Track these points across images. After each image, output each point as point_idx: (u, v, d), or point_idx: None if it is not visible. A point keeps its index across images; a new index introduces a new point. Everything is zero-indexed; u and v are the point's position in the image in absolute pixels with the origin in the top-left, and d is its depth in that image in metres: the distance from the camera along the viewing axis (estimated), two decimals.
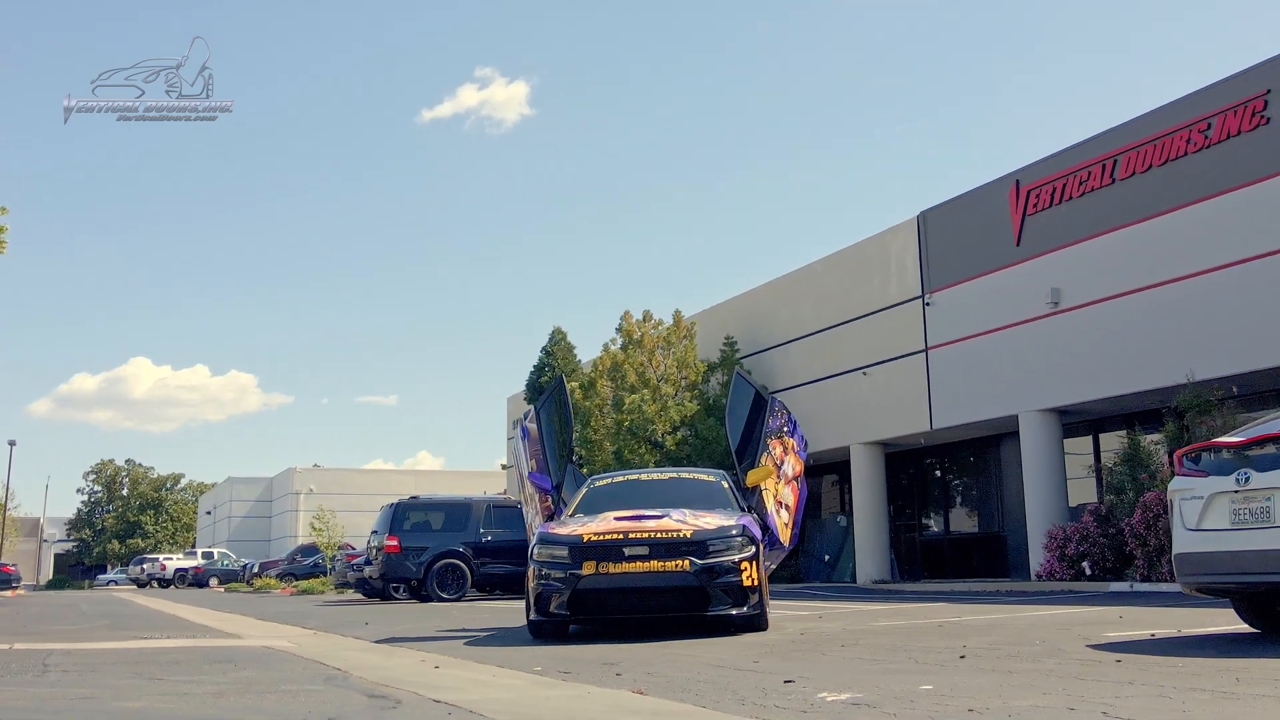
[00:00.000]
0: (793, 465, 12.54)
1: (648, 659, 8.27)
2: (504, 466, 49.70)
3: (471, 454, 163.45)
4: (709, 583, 10.24)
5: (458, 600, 24.98)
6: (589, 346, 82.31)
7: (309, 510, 79.04)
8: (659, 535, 10.42)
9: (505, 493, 42.99)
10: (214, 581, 59.20)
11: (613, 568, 10.23)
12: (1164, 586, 14.80)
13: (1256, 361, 16.54)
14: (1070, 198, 19.67)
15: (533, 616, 10.62)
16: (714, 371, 29.09)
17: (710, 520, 10.80)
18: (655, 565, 10.21)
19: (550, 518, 11.94)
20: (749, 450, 12.27)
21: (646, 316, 29.54)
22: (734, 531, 10.60)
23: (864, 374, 25.02)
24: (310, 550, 52.25)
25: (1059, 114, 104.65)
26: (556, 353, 35.21)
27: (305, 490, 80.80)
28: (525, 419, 12.77)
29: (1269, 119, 16.37)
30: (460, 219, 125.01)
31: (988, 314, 21.48)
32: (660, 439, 27.58)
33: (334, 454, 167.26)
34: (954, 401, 22.48)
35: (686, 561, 10.21)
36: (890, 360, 24.27)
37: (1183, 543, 7.86)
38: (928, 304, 23.13)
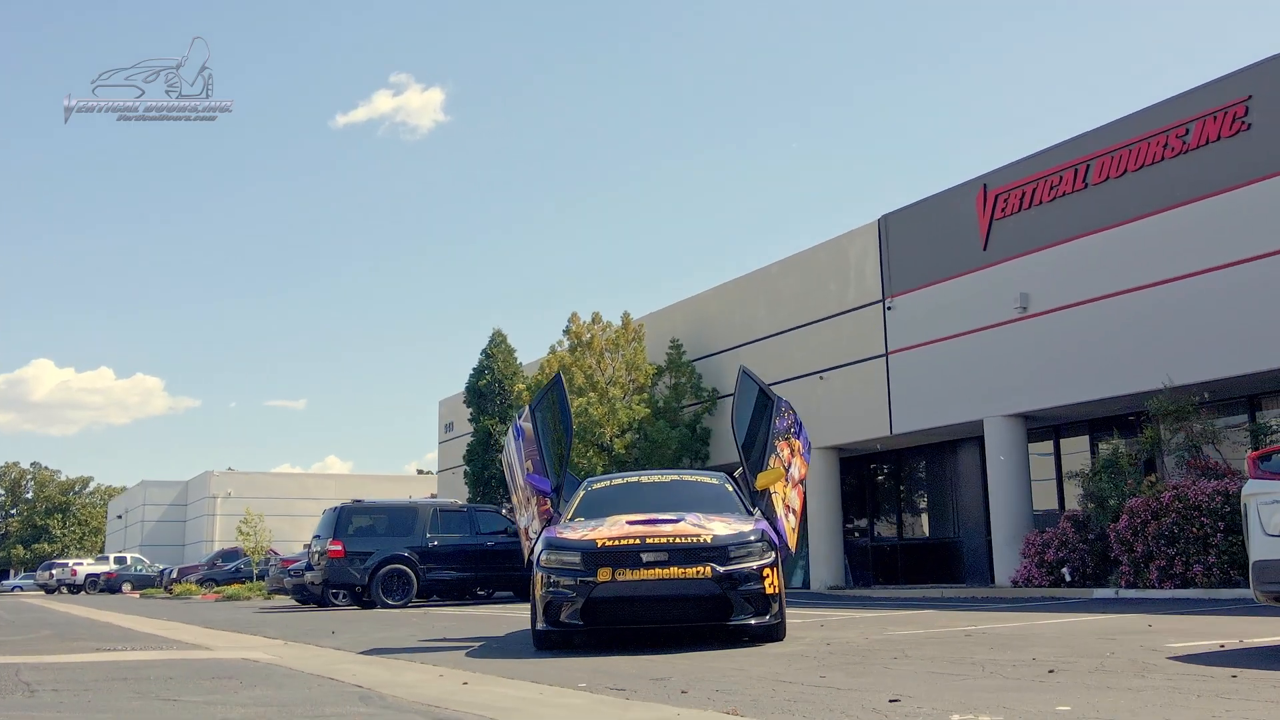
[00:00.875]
0: (799, 468, 12.00)
1: (693, 672, 7.64)
2: (419, 471, 48.55)
3: (382, 459, 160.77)
4: (731, 590, 9.65)
5: (404, 606, 24.10)
6: (530, 349, 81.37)
7: (227, 514, 77.23)
8: (678, 540, 9.81)
9: (434, 495, 41.94)
10: (127, 587, 57.12)
11: (630, 574, 9.59)
12: (1152, 593, 14.53)
13: (1229, 368, 16.38)
14: (1041, 202, 19.43)
15: (540, 626, 9.92)
16: (661, 375, 28.53)
17: (729, 525, 10.22)
18: (675, 572, 9.59)
19: (550, 521, 11.25)
20: (755, 451, 11.69)
21: (595, 318, 28.88)
22: (754, 537, 10.03)
23: (821, 378, 24.62)
24: (231, 555, 50.75)
25: (1024, 120, 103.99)
26: (497, 355, 34.40)
27: (223, 494, 78.72)
28: (520, 418, 12.06)
29: (1250, 125, 16.23)
30: (373, 224, 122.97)
31: (953, 318, 21.19)
32: (609, 443, 26.93)
33: (240, 458, 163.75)
34: (915, 406, 22.15)
35: (708, 568, 9.61)
36: (848, 365, 23.91)
37: (1262, 549, 7.42)
38: (889, 308, 22.79)
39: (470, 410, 34.32)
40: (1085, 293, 18.59)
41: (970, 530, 23.25)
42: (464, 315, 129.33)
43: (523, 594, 27.00)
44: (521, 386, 30.01)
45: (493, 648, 11.10)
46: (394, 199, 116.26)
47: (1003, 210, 20.15)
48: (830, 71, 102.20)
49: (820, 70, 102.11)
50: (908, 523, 26.14)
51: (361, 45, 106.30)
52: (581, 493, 11.72)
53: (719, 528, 10.10)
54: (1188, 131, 17.04)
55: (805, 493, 12.12)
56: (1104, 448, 17.36)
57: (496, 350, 34.50)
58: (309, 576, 26.16)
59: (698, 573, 9.59)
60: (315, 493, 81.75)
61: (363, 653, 11.03)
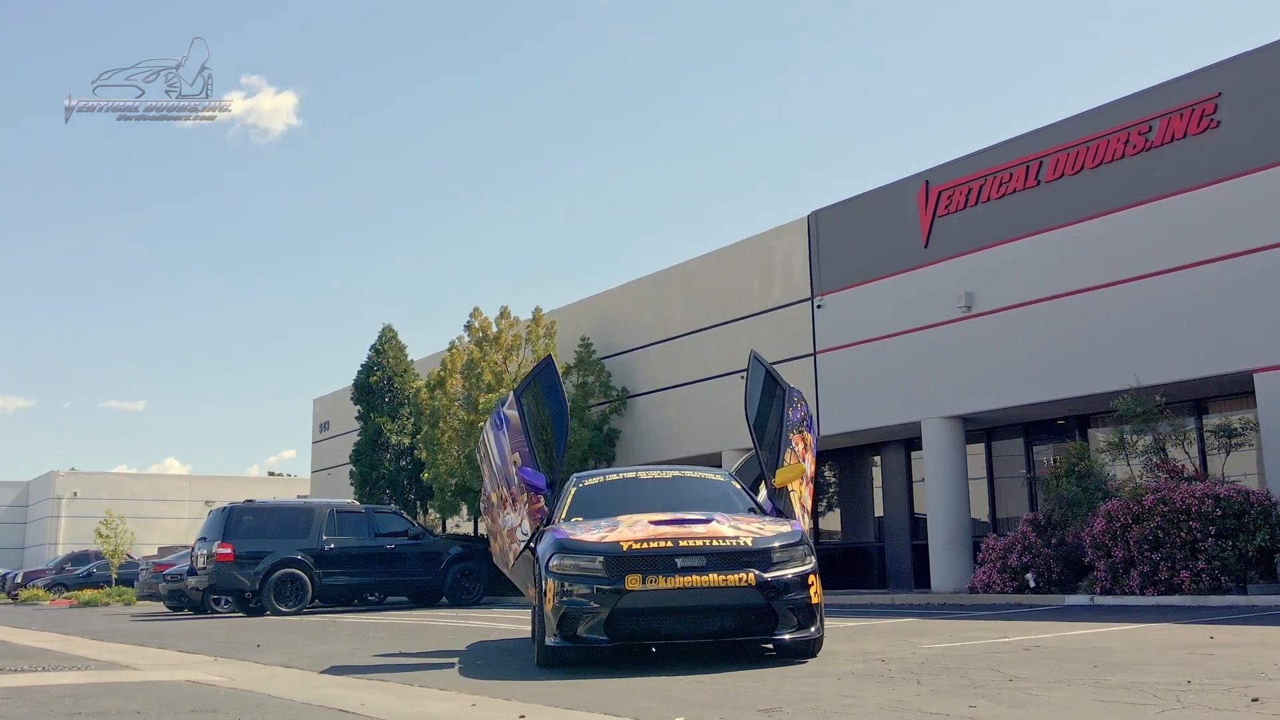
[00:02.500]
0: (810, 464, 10.80)
1: (772, 699, 6.35)
2: (271, 473, 45.88)
3: (225, 461, 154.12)
4: (775, 600, 8.37)
5: (297, 613, 22.19)
6: (416, 347, 78.30)
7: (73, 516, 72.62)
8: (716, 543, 8.48)
9: (304, 496, 39.61)
10: None
11: (663, 582, 8.23)
12: (1133, 600, 13.75)
13: (1191, 370, 15.80)
14: (989, 199, 18.67)
15: (552, 642, 8.47)
16: (569, 374, 27.09)
17: (765, 526, 8.93)
18: (714, 579, 8.26)
19: (547, 521, 9.79)
20: (769, 445, 10.42)
21: (504, 313, 27.28)
22: (796, 539, 8.78)
23: (742, 378, 23.44)
24: (81, 558, 47.50)
25: (966, 118, 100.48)
26: (388, 351, 32.45)
27: (69, 495, 74.03)
28: (504, 406, 10.57)
29: (1219, 122, 15.67)
30: (222, 229, 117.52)
31: (889, 317, 20.31)
32: None
33: (76, 460, 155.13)
34: (845, 407, 21.21)
35: (750, 575, 8.31)
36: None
37: None
38: (819, 306, 21.83)
39: (358, 408, 32.30)
40: (1036, 292, 17.86)
41: (894, 535, 22.41)
42: (326, 315, 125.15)
43: (421, 600, 25.32)
44: (419, 384, 28.19)
45: (479, 665, 9.60)
46: (239, 203, 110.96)
47: (946, 207, 19.35)
48: (756, 62, 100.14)
49: (747, 60, 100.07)
50: (825, 527, 25.22)
51: (213, 47, 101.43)
52: (572, 490, 10.30)
53: (757, 529, 8.81)
54: (1151, 129, 16.43)
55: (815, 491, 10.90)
56: (1073, 449, 16.61)
57: (387, 346, 32.55)
58: (191, 581, 24.00)
59: (740, 580, 8.28)
60: (168, 494, 77.62)
61: (326, 672, 9.42)
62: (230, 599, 24.15)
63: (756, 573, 8.32)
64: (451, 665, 9.52)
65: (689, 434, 24.68)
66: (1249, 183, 15.36)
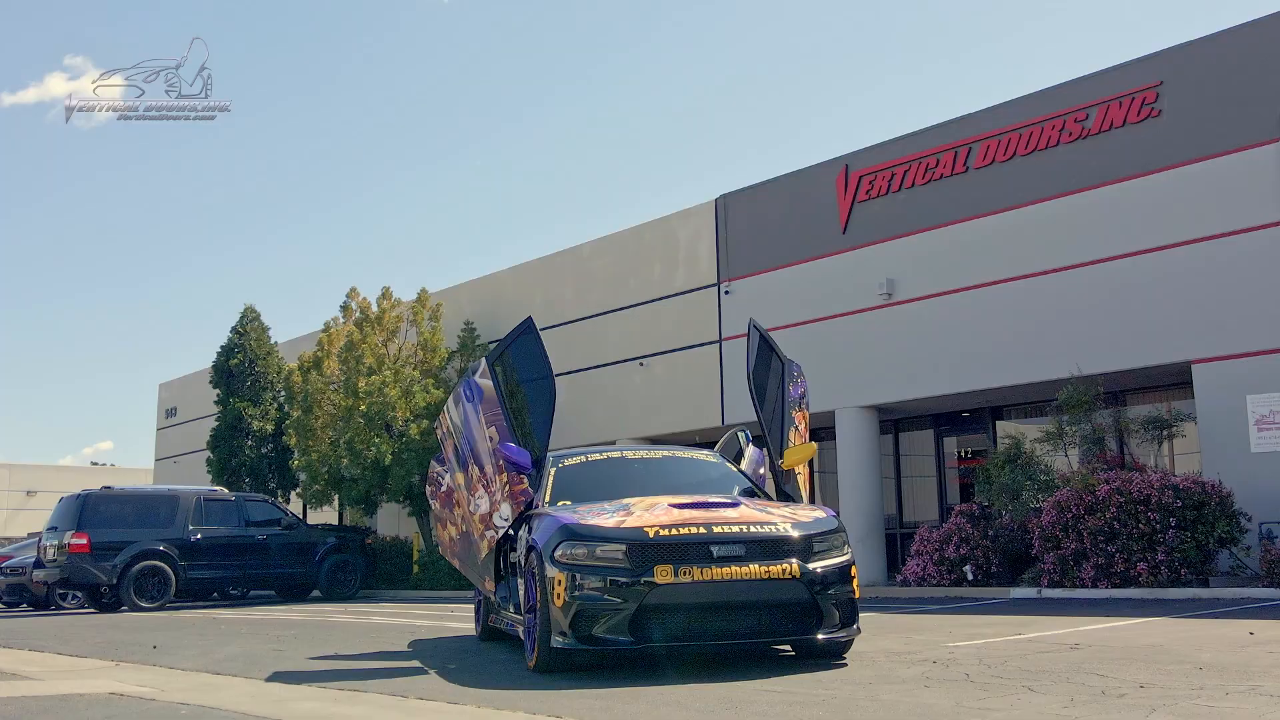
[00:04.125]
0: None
1: (853, 713, 5.21)
2: (93, 463, 42.66)
3: (37, 450, 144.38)
4: (821, 594, 7.21)
5: (160, 609, 20.08)
6: (280, 330, 73.99)
7: None
8: (755, 530, 7.27)
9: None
10: None
11: (698, 574, 6.98)
12: (1085, 593, 13.09)
13: (1124, 361, 15.33)
14: (913, 185, 17.94)
15: (561, 643, 7.14)
16: (452, 358, 25.48)
17: (798, 512, 7.77)
18: (755, 570, 7.05)
19: (529, 505, 8.41)
20: (774, 423, 9.27)
21: (385, 293, 25.46)
22: (834, 526, 7.65)
23: (641, 364, 22.36)
24: None
25: (890, 103, 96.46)
26: (250, 333, 30.13)
27: None
28: (475, 374, 9.14)
29: (1160, 111, 15.21)
30: (37, 212, 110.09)
31: (803, 304, 19.42)
32: (402, 427, 23.64)
33: None
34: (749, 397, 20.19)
35: (794, 565, 7.14)
36: (675, 351, 21.76)
37: None
38: (726, 292, 20.81)
39: (217, 391, 29.90)
40: (963, 280, 17.19)
41: None
42: (168, 300, 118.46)
43: (290, 594, 23.38)
44: (291, 366, 26.10)
45: (455, 669, 8.18)
46: (60, 184, 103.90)
47: (868, 192, 18.55)
48: (666, 37, 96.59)
49: (657, 34, 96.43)
50: None
51: (34, 25, 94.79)
52: (552, 471, 8.92)
53: (790, 515, 7.63)
54: (1089, 116, 15.90)
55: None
56: (1007, 439, 15.95)
57: (249, 327, 30.21)
58: (38, 575, 21.57)
59: (783, 571, 7.10)
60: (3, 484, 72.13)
61: (275, 680, 7.88)
62: (81, 594, 21.85)
63: (799, 563, 7.15)
64: (423, 670, 8.07)
65: (583, 422, 23.36)
66: (1189, 173, 14.94)
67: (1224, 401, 14.40)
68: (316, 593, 23.22)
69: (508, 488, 8.45)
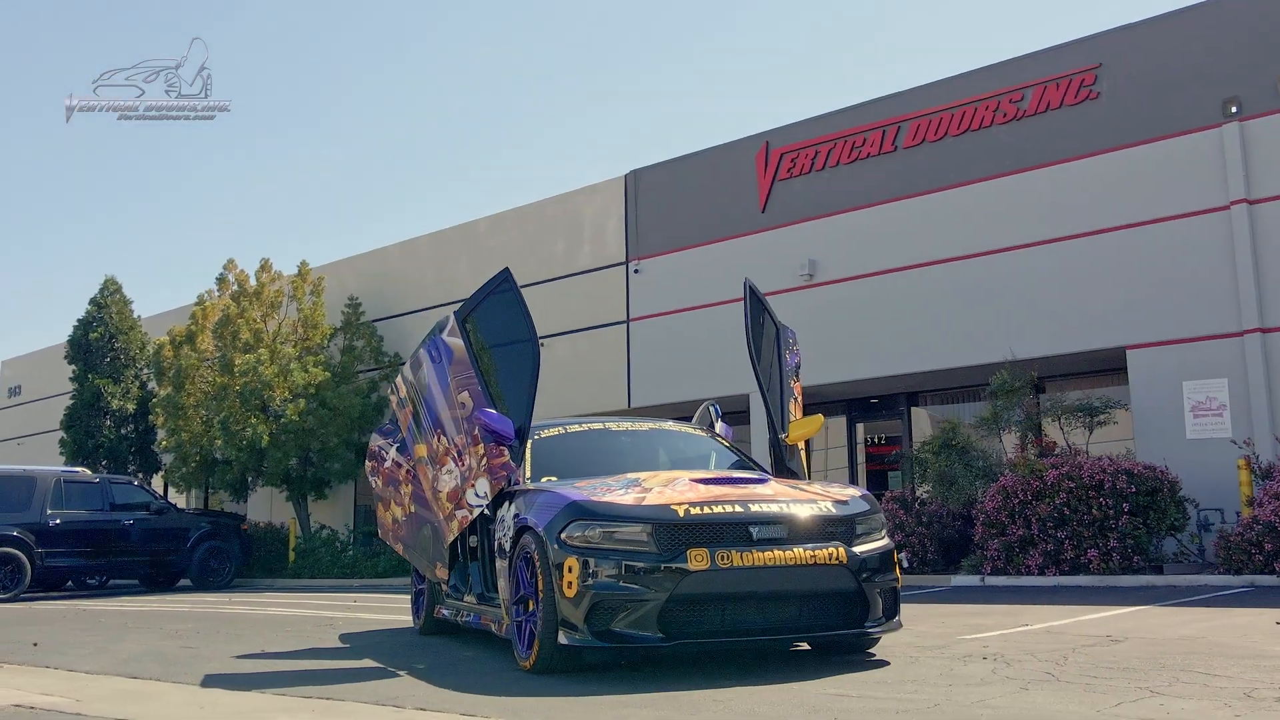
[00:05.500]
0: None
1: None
2: None
3: None
4: (868, 583, 6.26)
5: (12, 600, 18.07)
6: (144, 304, 69.54)
7: None
8: (795, 509, 6.28)
9: None
10: None
11: (738, 559, 5.95)
12: (1032, 580, 12.50)
13: (1053, 347, 14.88)
14: (838, 163, 17.20)
15: (570, 639, 6.05)
16: (335, 336, 23.81)
17: (830, 490, 6.80)
18: (801, 555, 6.07)
19: (510, 482, 7.24)
20: (773, 393, 8.29)
21: (265, 266, 23.62)
22: (874, 507, 6.71)
23: (542, 345, 21.05)
24: None
25: (807, 80, 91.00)
26: (111, 305, 27.75)
27: None
28: (442, 331, 7.93)
29: (1099, 94, 14.77)
30: None
31: (718, 284, 18.48)
32: (280, 408, 21.91)
33: None
34: (661, 378, 19.29)
35: (840, 550, 6.18)
36: (578, 331, 20.63)
37: None
38: (636, 271, 19.78)
39: (74, 368, 27.45)
40: (889, 262, 16.55)
41: None
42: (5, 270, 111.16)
43: (156, 583, 21.45)
44: (162, 340, 23.99)
45: (425, 669, 6.97)
46: None
47: (790, 171, 17.76)
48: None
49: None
50: None
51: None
52: (528, 443, 7.75)
53: (821, 493, 6.66)
54: (1024, 97, 15.39)
55: None
56: (945, 424, 15.31)
57: (109, 300, 27.81)
58: None
59: (829, 556, 6.12)
60: None
61: (212, 685, 6.56)
62: None
63: (844, 547, 6.19)
64: (390, 672, 6.84)
65: None
66: (1127, 157, 14.55)
67: (1159, 388, 14.05)
68: (185, 581, 21.37)
69: (485, 460, 7.26)
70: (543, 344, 20.72)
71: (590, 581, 5.94)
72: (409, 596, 9.99)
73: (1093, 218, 14.68)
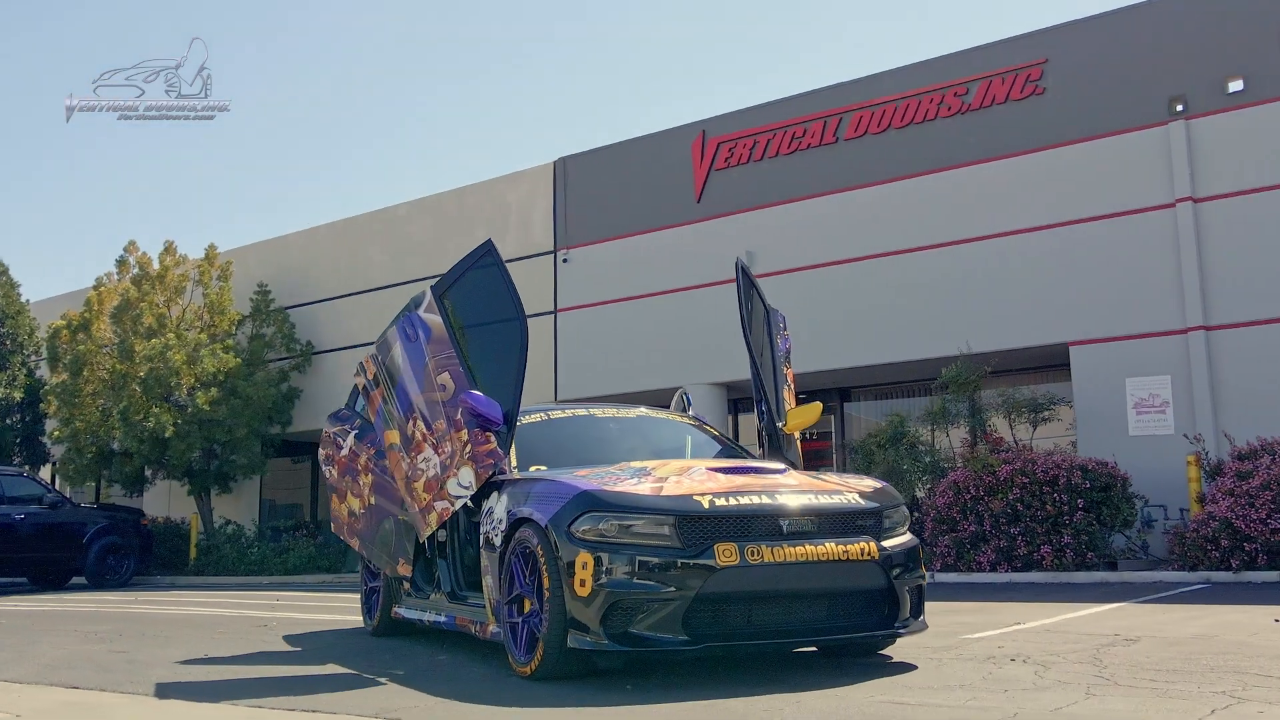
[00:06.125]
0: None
1: None
2: None
3: None
4: (898, 580, 5.80)
5: None
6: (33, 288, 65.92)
7: None
8: (823, 500, 5.80)
9: None
10: None
11: (768, 554, 5.42)
12: (982, 577, 12.25)
13: (1001, 342, 14.71)
14: (777, 154, 16.84)
15: (581, 642, 5.49)
16: (243, 323, 22.70)
17: (848, 480, 6.32)
18: (833, 550, 5.57)
19: (499, 471, 6.60)
20: (767, 379, 7.78)
21: (169, 248, 22.37)
22: (899, 499, 6.26)
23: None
24: None
25: (743, 73, 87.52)
26: None
27: None
28: (418, 307, 7.27)
29: (1045, 89, 14.64)
30: None
31: (652, 275, 18.02)
32: (187, 397, 20.75)
33: None
34: (590, 371, 18.71)
35: (871, 544, 5.71)
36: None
37: None
38: (564, 261, 19.17)
39: None
40: (828, 255, 16.24)
41: None
42: None
43: (46, 581, 20.11)
44: (58, 324, 22.52)
45: (408, 675, 6.29)
46: None
47: (727, 160, 17.34)
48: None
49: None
50: None
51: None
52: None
53: (844, 483, 6.18)
54: (969, 91, 15.20)
55: None
56: (893, 418, 14.98)
57: None
58: None
59: (861, 551, 5.64)
60: None
61: (169, 696, 5.83)
62: None
63: (874, 542, 5.72)
64: (371, 680, 6.17)
65: None
66: (1073, 153, 14.45)
67: (1102, 384, 13.96)
68: (79, 580, 20.08)
69: (469, 448, 6.60)
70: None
71: (606, 579, 5.36)
72: (331, 595, 9.29)
73: (1037, 213, 14.55)
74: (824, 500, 5.74)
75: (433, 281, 7.59)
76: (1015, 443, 13.76)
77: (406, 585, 7.79)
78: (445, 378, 6.83)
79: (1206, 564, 11.25)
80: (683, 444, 7.51)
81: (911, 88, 15.68)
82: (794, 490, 5.77)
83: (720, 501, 5.52)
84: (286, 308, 22.84)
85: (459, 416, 6.67)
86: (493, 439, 6.57)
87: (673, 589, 5.31)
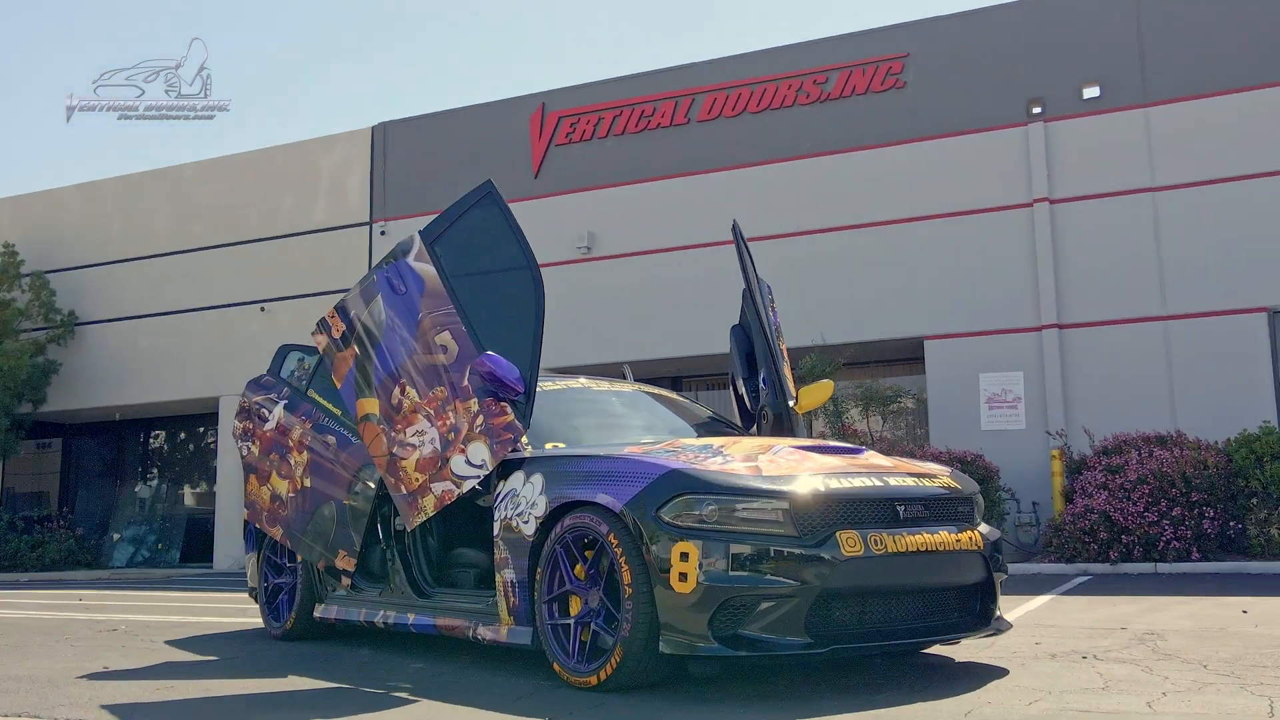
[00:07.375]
0: None
1: None
2: None
3: None
4: (996, 573, 5.24)
5: None
6: None
7: None
8: (927, 483, 5.16)
9: None
10: None
11: (890, 544, 4.72)
12: None
13: (856, 334, 14.57)
14: (624, 132, 16.10)
15: (674, 647, 4.64)
16: None
17: (916, 464, 5.67)
18: (947, 539, 4.94)
19: (515, 445, 5.56)
20: (768, 356, 7.02)
21: None
22: (975, 484, 5.67)
23: (262, 309, 18.58)
24: None
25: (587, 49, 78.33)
26: None
27: None
28: (406, 255, 6.08)
29: (906, 83, 14.57)
30: None
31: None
32: None
33: None
34: None
35: (976, 534, 5.13)
36: (311, 296, 18.21)
37: None
38: (383, 233, 17.74)
39: None
40: (676, 239, 15.65)
41: None
42: None
43: None
44: None
45: (411, 688, 5.17)
46: None
47: (569, 135, 16.46)
48: None
49: None
50: None
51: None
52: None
53: (921, 467, 5.53)
54: (829, 79, 14.96)
55: None
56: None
57: None
58: None
59: (970, 540, 5.04)
60: None
61: (111, 709, 4.55)
62: None
63: (976, 530, 5.12)
64: (380, 692, 5.01)
65: (172, 372, 19.14)
66: (932, 148, 14.46)
67: (956, 378, 14.02)
68: None
69: (482, 420, 5.52)
70: (263, 308, 18.57)
71: (712, 572, 4.48)
72: (139, 593, 7.83)
73: (896, 207, 14.49)
74: (928, 485, 5.07)
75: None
76: (871, 435, 13.60)
77: (346, 581, 6.57)
78: (445, 337, 5.72)
79: (1084, 556, 11.36)
80: (688, 421, 6.68)
81: (770, 73, 15.32)
82: (896, 473, 5.07)
83: (834, 484, 4.75)
84: (47, 272, 20.20)
85: (465, 383, 5.58)
86: (509, 409, 5.52)
87: (793, 583, 4.49)
